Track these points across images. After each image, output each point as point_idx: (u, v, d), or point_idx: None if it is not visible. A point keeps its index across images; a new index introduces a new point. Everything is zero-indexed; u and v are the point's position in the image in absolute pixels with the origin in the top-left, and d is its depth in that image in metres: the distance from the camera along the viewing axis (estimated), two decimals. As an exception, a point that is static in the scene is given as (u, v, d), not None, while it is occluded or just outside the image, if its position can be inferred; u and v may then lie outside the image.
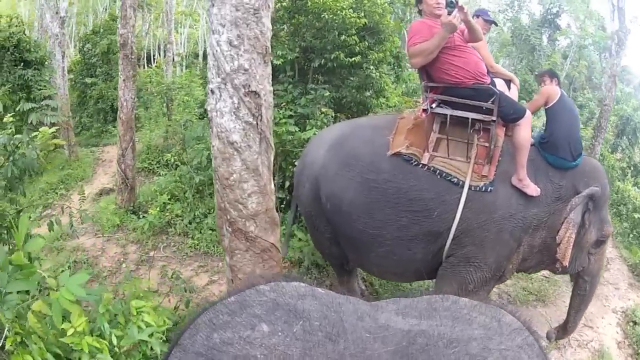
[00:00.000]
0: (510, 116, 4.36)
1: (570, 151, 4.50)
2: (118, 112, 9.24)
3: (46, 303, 2.69)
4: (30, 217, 6.61)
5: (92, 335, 2.98)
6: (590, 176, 4.57)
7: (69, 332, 2.81)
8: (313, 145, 5.29)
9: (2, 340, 2.72)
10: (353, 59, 8.28)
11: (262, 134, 3.57)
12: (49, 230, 5.02)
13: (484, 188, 4.34)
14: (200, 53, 27.27)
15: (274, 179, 3.98)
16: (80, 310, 2.81)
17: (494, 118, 4.29)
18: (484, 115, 4.32)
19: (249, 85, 3.49)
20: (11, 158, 4.37)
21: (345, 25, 8.27)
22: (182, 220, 8.49)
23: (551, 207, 4.49)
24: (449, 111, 4.39)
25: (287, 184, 7.51)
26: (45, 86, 12.80)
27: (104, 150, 14.32)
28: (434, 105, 4.44)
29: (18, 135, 4.45)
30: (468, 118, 4.33)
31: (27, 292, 2.89)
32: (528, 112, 4.42)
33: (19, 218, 4.56)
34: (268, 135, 3.63)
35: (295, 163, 7.14)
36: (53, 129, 4.74)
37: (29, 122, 4.62)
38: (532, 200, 4.40)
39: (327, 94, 8.21)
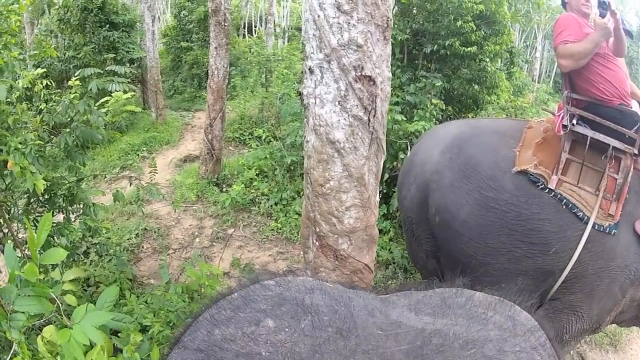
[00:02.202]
0: None
1: None
2: (208, 81, 9.00)
3: (58, 331, 2.20)
4: (90, 187, 6.51)
5: None
6: None
7: None
8: (425, 142, 4.61)
9: (9, 357, 2.35)
10: (469, 48, 7.69)
11: (374, 133, 2.79)
12: (114, 201, 4.83)
13: (607, 229, 3.74)
14: (303, 28, 27.26)
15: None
16: (102, 348, 2.27)
17: (635, 151, 3.72)
18: (625, 145, 3.74)
19: (362, 68, 2.69)
20: (69, 127, 4.12)
21: (460, 10, 7.74)
22: (268, 200, 8.10)
23: None
24: (589, 132, 3.77)
25: (386, 176, 6.86)
26: (133, 48, 13.44)
27: (195, 116, 14.43)
28: (574, 122, 3.82)
29: (77, 101, 4.16)
30: (609, 144, 3.74)
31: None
32: None
33: (78, 187, 4.39)
34: (381, 135, 2.86)
35: (399, 156, 6.62)
36: (128, 94, 4.42)
37: (89, 89, 4.21)
38: None
39: (439, 83, 7.63)
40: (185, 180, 9.00)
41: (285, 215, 7.75)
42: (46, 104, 4.27)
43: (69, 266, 4.11)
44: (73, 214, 4.63)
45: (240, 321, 1.05)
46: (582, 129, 3.79)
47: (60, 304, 2.30)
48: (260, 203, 8.07)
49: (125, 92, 4.44)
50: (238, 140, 11.37)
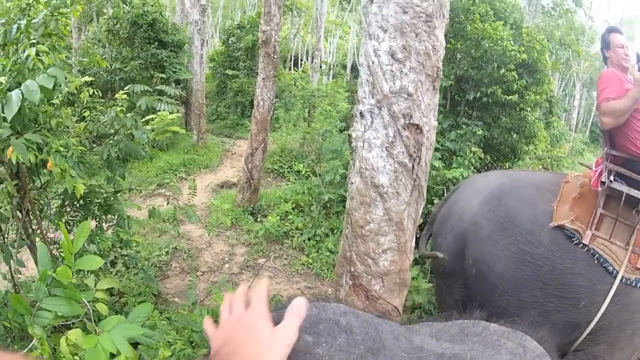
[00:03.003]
0: None
1: None
2: (253, 111, 9.07)
3: (84, 336, 2.25)
4: (125, 200, 6.61)
5: None
6: None
7: None
8: (464, 192, 4.62)
9: (27, 349, 2.39)
10: (510, 97, 7.75)
11: (417, 180, 2.87)
12: (149, 217, 4.85)
13: (634, 283, 3.73)
14: (348, 65, 27.56)
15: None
16: (125, 358, 2.30)
17: None
18: None
19: (411, 116, 2.78)
20: (113, 139, 4.19)
21: (504, 58, 7.78)
22: (301, 234, 8.11)
23: None
24: (625, 188, 3.76)
25: (420, 221, 6.76)
26: (180, 69, 13.38)
27: (236, 143, 14.53)
28: (611, 179, 3.82)
29: (125, 115, 4.22)
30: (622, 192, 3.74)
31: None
32: None
33: (115, 198, 4.44)
34: (423, 182, 2.93)
35: (433, 200, 6.61)
36: (174, 115, 4.50)
37: (138, 105, 4.31)
38: None
39: (480, 132, 7.66)
40: (222, 205, 9.05)
41: (317, 251, 7.75)
42: (89, 112, 4.35)
43: (95, 274, 4.15)
44: (106, 223, 4.69)
45: None
46: (618, 185, 3.79)
47: (90, 310, 2.34)
48: (294, 237, 8.08)
49: (171, 112, 4.52)
50: (277, 172, 11.44)
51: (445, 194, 6.61)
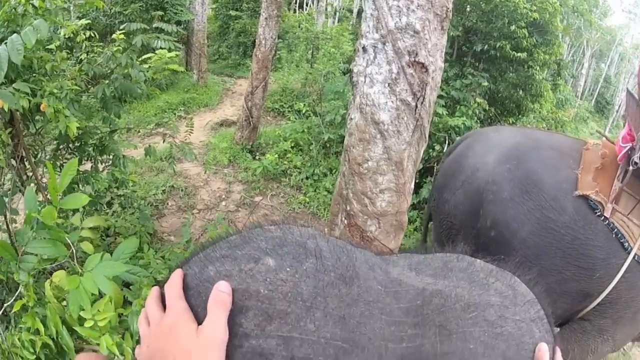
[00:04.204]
0: None
1: None
2: (255, 49, 8.92)
3: (69, 276, 2.12)
4: (122, 140, 6.50)
5: (117, 333, 2.37)
6: None
7: (88, 324, 2.20)
8: (476, 146, 4.42)
9: (12, 300, 2.35)
10: (519, 54, 7.67)
11: (419, 120, 2.77)
12: (145, 155, 4.76)
13: None
14: (355, 10, 27.05)
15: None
16: (110, 297, 2.20)
17: None
18: None
19: (416, 54, 2.66)
20: (109, 79, 4.09)
21: (515, 14, 7.70)
22: (300, 173, 8.09)
23: None
24: None
25: (420, 166, 6.71)
26: (182, 10, 13.29)
27: (237, 83, 14.44)
28: None
29: (119, 54, 4.13)
30: None
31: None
32: None
33: (110, 138, 4.37)
34: (426, 123, 2.83)
35: (434, 146, 6.53)
36: (172, 54, 4.38)
37: (134, 43, 4.20)
38: None
39: (486, 83, 7.57)
40: (220, 143, 8.99)
41: (315, 191, 7.73)
42: (87, 55, 4.25)
43: (91, 215, 4.07)
44: (102, 164, 4.63)
45: (237, 258, 0.97)
46: None
47: (75, 251, 2.22)
48: (292, 175, 8.06)
49: (169, 50, 4.40)
50: (277, 112, 11.35)
51: (447, 142, 6.55)
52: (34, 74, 3.56)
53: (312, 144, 8.48)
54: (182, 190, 7.42)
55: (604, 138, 4.30)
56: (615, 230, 3.71)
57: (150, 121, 10.16)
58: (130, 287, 3.19)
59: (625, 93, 4.06)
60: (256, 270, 0.93)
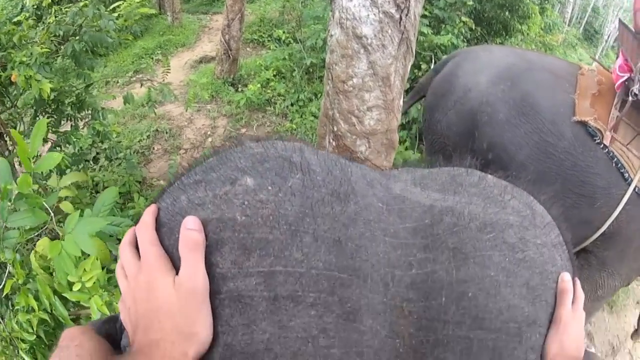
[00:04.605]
0: None
1: None
2: (227, -20, 8.60)
3: (51, 242, 2.00)
4: (101, 92, 6.36)
5: (107, 292, 2.24)
6: None
7: (76, 287, 2.11)
8: (466, 66, 4.26)
9: (2, 283, 2.21)
10: None
11: (405, 33, 2.60)
12: (124, 103, 4.66)
13: None
14: None
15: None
16: (96, 257, 2.10)
17: None
18: None
19: (399, -38, 2.52)
20: (78, 34, 3.94)
21: None
22: (284, 100, 7.92)
23: None
24: None
25: (407, 85, 6.59)
26: None
27: (213, 19, 14.04)
28: None
29: (85, 8, 3.97)
30: None
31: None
32: None
33: (87, 92, 4.27)
34: (412, 37, 2.66)
35: (420, 66, 6.41)
36: None
37: None
38: None
39: (471, 2, 7.36)
40: (200, 79, 8.79)
41: (301, 117, 7.60)
42: (55, 18, 4.11)
43: (85, 174, 4.00)
44: (81, 120, 4.53)
45: (212, 182, 0.83)
46: None
47: (52, 214, 2.09)
48: (276, 103, 7.91)
49: None
50: (256, 42, 11.07)
51: (433, 60, 6.43)
52: (2, 50, 3.53)
53: (294, 70, 8.29)
54: (166, 132, 7.28)
55: (598, 65, 4.24)
56: (615, 159, 3.69)
57: (128, 70, 9.88)
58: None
59: (618, 24, 4.03)
60: (232, 194, 0.80)
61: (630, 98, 3.63)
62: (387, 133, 2.83)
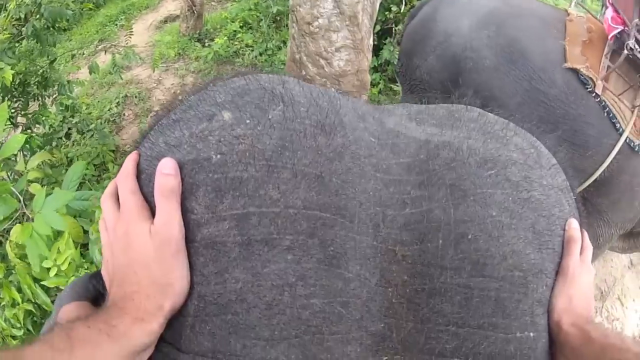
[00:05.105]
0: None
1: None
2: (188, -63, 8.39)
3: (23, 227, 1.91)
4: (66, 64, 6.21)
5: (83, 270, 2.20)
6: None
7: (52, 273, 2.04)
8: (445, 10, 4.06)
9: None
10: None
11: (370, -34, 2.51)
12: (90, 73, 4.50)
13: (637, 148, 3.63)
14: None
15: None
16: (69, 235, 2.03)
17: None
18: None
19: None
20: (38, 13, 3.87)
21: None
22: (252, 50, 7.77)
23: None
24: None
25: (378, 28, 6.49)
26: None
27: (177, -23, 13.66)
28: (637, 47, 3.50)
29: None
30: None
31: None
32: None
33: (51, 68, 4.17)
34: (377, -31, 2.57)
35: (391, 7, 6.24)
36: None
37: None
38: None
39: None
40: (165, 38, 8.65)
41: (271, 65, 7.44)
42: (16, 2, 4.00)
43: (51, 154, 3.92)
44: (49, 98, 4.41)
45: (189, 120, 0.78)
46: None
47: (22, 199, 2.01)
48: (244, 55, 7.78)
49: None
50: (222, -5, 10.87)
51: (403, 2, 6.28)
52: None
53: (261, 20, 8.17)
54: (135, 97, 7.15)
55: (586, 12, 4.19)
56: (607, 109, 3.63)
57: (93, 40, 9.69)
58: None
59: None
60: (209, 131, 0.75)
61: (625, 52, 3.58)
62: (358, 74, 2.74)
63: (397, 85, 5.04)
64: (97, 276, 0.87)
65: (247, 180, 0.71)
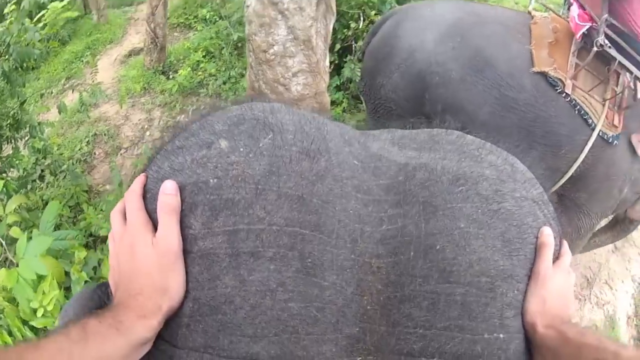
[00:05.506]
0: None
1: None
2: (148, -31, 8.38)
3: (7, 272, 2.01)
4: (36, 104, 6.19)
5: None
6: None
7: (39, 314, 2.12)
8: (408, 25, 4.01)
9: None
10: None
11: (321, -9, 2.55)
12: (59, 113, 4.55)
13: (610, 139, 3.79)
14: None
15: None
16: (52, 277, 2.12)
17: None
18: None
19: None
20: (7, 53, 3.90)
21: None
22: (216, 80, 7.77)
23: None
24: (618, 56, 3.63)
25: (338, 46, 6.48)
26: None
27: (138, 9, 13.63)
28: (607, 43, 3.62)
29: (11, 26, 3.93)
30: (615, 59, 3.63)
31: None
32: None
33: (22, 110, 4.20)
34: (330, -6, 2.61)
35: (350, 25, 6.26)
36: (64, 2, 4.18)
37: (22, 7, 3.96)
38: (637, 159, 3.99)
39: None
40: (130, 73, 8.58)
41: (235, 93, 7.49)
42: None
43: (27, 197, 3.92)
44: (21, 140, 4.44)
45: (191, 147, 0.90)
46: (613, 52, 3.63)
47: (4, 243, 2.14)
48: (209, 84, 7.77)
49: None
50: (183, 25, 10.81)
51: (362, 18, 6.30)
52: None
53: (223, 47, 8.19)
54: (105, 134, 7.10)
55: (551, 12, 4.22)
56: (578, 106, 3.72)
57: (61, 77, 9.61)
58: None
59: None
60: (207, 157, 0.86)
61: (595, 48, 3.62)
62: (317, 96, 2.78)
63: (362, 103, 5.06)
64: (102, 287, 0.98)
65: (238, 201, 0.82)
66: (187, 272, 0.83)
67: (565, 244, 1.04)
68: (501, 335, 0.85)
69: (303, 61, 2.60)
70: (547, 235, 0.94)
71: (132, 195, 0.92)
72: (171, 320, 0.83)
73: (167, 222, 0.85)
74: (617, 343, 0.82)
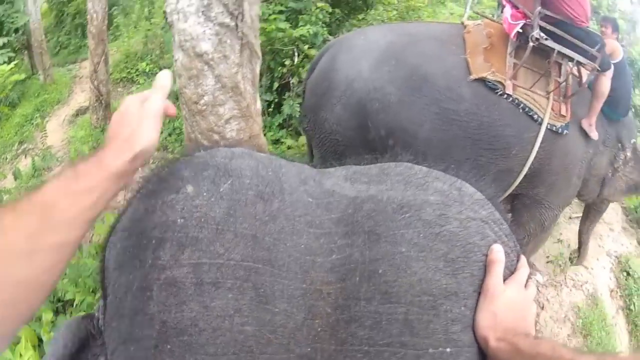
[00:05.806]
0: (602, 66, 3.92)
1: (626, 108, 4.46)
2: (88, 26, 8.32)
3: None
4: None
5: None
6: (630, 129, 4.62)
7: None
8: (343, 57, 4.01)
9: None
10: None
11: (244, 38, 2.60)
12: (15, 179, 4.48)
13: (560, 130, 3.92)
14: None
15: (260, 82, 3.02)
16: (26, 340, 2.43)
17: (597, 67, 3.84)
18: (588, 61, 3.85)
19: (223, -27, 2.50)
20: None
21: None
22: (162, 132, 7.61)
23: (598, 149, 4.35)
24: (556, 46, 3.77)
25: (276, 85, 6.57)
26: (17, 17, 12.04)
27: (82, 66, 13.56)
28: (542, 35, 3.75)
29: None
30: (553, 50, 3.77)
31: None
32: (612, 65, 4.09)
33: None
34: (252, 39, 2.66)
35: (284, 62, 6.36)
36: (11, 65, 4.10)
37: None
38: (591, 142, 4.20)
39: (324, -14, 7.24)
40: (78, 134, 8.47)
41: (180, 144, 7.42)
42: None
43: None
44: None
45: (162, 191, 1.01)
46: (550, 43, 3.76)
47: None
48: (155, 136, 7.72)
49: (8, 62, 4.17)
50: (126, 80, 10.76)
51: (296, 54, 6.39)
52: None
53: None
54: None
55: (483, 18, 4.32)
56: (522, 105, 3.80)
57: (13, 142, 9.43)
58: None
59: None
60: (175, 201, 0.98)
61: (531, 43, 3.71)
62: (252, 139, 2.83)
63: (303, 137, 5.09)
64: (87, 318, 1.09)
65: (201, 239, 0.93)
66: (155, 297, 0.91)
67: (523, 258, 1.10)
68: (448, 350, 0.92)
69: (234, 107, 2.66)
70: (497, 252, 0.99)
71: (156, 94, 1.10)
72: (139, 344, 0.91)
73: (156, 93, 1.08)
74: (572, 350, 0.87)
